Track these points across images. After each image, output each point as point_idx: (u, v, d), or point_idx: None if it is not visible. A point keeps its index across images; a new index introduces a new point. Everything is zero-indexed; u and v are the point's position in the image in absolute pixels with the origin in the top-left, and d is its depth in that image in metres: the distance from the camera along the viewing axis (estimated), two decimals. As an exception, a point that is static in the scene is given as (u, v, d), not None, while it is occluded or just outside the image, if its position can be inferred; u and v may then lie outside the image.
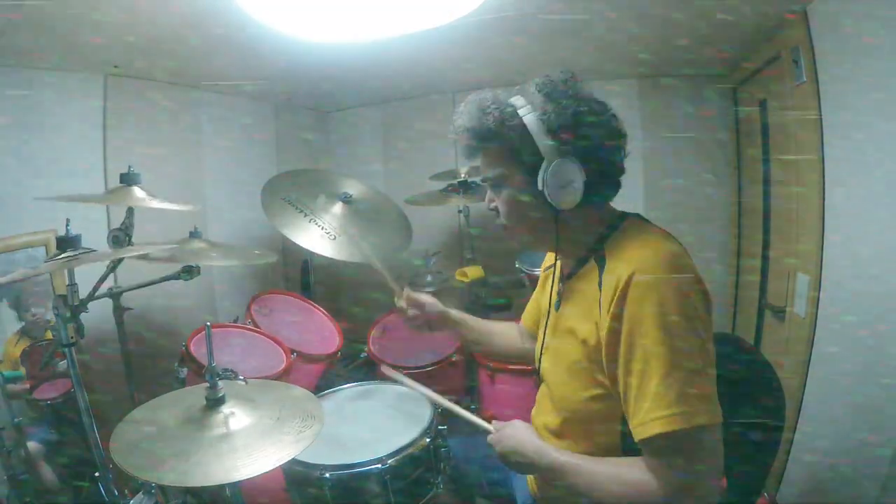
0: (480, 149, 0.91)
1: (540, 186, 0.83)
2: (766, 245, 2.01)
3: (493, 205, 0.95)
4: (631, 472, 0.78)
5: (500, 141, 0.87)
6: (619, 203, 0.97)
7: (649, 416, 0.73)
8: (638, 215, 0.93)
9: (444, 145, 2.70)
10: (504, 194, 0.91)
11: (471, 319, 1.26)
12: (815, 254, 1.49)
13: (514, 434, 0.94)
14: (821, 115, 1.46)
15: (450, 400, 1.14)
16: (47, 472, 1.54)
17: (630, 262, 0.78)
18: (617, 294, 0.77)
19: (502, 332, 1.28)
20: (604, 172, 0.86)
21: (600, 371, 0.82)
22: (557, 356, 0.96)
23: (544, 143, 0.82)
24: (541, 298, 1.14)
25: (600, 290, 0.82)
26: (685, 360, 0.73)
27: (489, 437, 0.98)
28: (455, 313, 1.24)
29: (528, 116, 0.83)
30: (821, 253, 1.48)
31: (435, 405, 1.24)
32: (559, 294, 0.99)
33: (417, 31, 1.52)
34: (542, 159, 0.83)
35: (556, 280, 1.01)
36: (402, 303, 1.21)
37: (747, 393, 1.00)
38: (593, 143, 0.83)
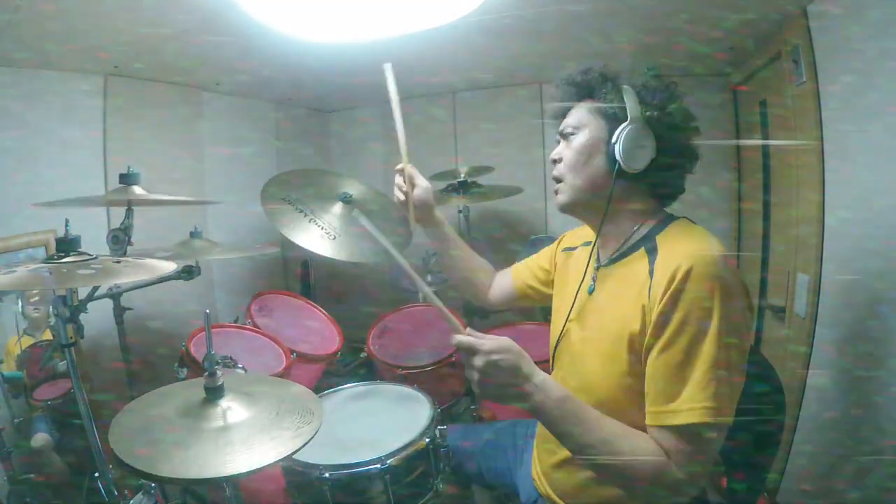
0: (575, 99, 0.97)
1: (613, 140, 0.87)
2: (766, 245, 2.01)
3: (557, 156, 0.97)
4: (648, 443, 0.78)
5: (594, 96, 0.94)
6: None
7: (686, 404, 0.75)
8: (688, 218, 0.95)
9: (444, 145, 2.71)
10: (576, 141, 0.94)
11: (452, 233, 1.26)
12: (815, 254, 1.49)
13: (512, 348, 0.79)
14: (821, 115, 1.46)
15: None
16: (57, 462, 1.54)
17: (690, 252, 0.79)
18: (677, 279, 0.77)
19: (480, 268, 1.30)
20: (671, 162, 0.90)
21: (638, 359, 0.83)
22: (591, 341, 0.94)
23: (634, 107, 0.87)
24: (561, 283, 1.12)
25: (651, 277, 0.82)
26: (730, 358, 0.75)
27: (463, 339, 0.79)
28: (441, 218, 1.24)
29: (628, 86, 0.89)
30: (821, 253, 1.48)
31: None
32: (593, 279, 0.99)
33: (417, 31, 1.52)
34: (624, 121, 0.87)
35: (591, 265, 1.01)
36: (399, 180, 1.19)
37: (747, 393, 1.00)
38: (675, 130, 0.89)
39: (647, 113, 0.88)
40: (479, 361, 0.77)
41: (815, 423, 1.48)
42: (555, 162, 0.98)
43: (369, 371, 2.00)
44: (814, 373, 1.50)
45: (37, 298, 1.64)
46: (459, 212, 2.29)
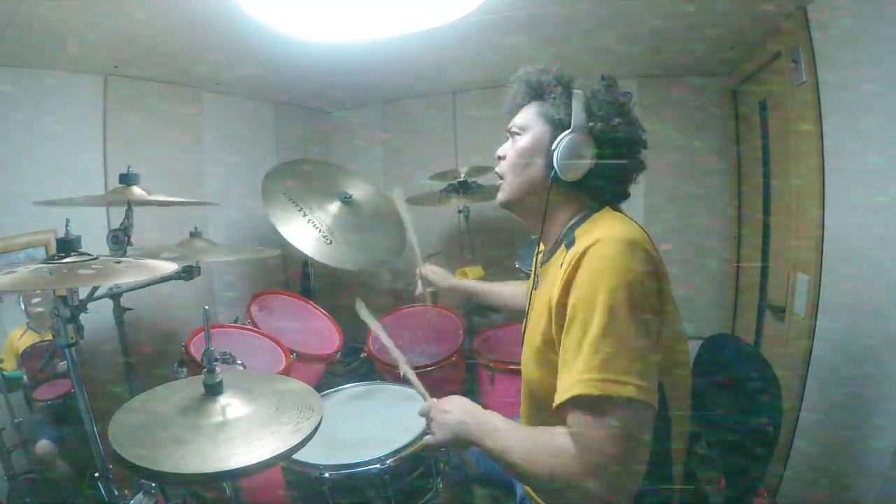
0: (526, 102, 0.98)
1: (552, 147, 0.88)
2: (766, 245, 2.01)
3: (502, 153, 0.99)
4: (553, 438, 0.77)
5: (545, 99, 0.94)
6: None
7: (573, 378, 0.74)
8: (613, 207, 0.95)
9: (444, 145, 2.71)
10: (520, 143, 0.96)
11: (480, 287, 1.49)
12: (815, 254, 1.49)
13: (452, 400, 0.96)
14: (821, 115, 1.46)
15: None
16: (60, 468, 1.54)
17: (589, 239, 0.80)
18: (570, 267, 0.79)
19: (511, 294, 1.43)
20: (609, 176, 0.91)
21: (553, 350, 0.83)
22: (527, 336, 0.97)
23: (579, 115, 0.88)
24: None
25: (561, 269, 0.83)
26: (619, 333, 0.73)
27: (424, 407, 0.99)
28: (464, 285, 1.51)
29: (579, 91, 0.90)
30: (821, 253, 1.48)
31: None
32: (538, 276, 1.02)
33: (417, 31, 1.52)
34: (567, 128, 0.88)
35: (537, 262, 1.04)
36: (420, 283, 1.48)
37: (746, 392, 1.00)
38: (618, 141, 0.89)
39: (591, 123, 0.88)
40: (434, 415, 0.95)
41: (815, 423, 1.48)
42: (499, 158, 1.00)
43: (369, 371, 2.00)
44: (814, 373, 1.50)
45: (39, 298, 1.64)
46: (459, 212, 2.29)
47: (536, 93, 0.97)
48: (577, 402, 0.74)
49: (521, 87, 0.99)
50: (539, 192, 0.93)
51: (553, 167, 0.89)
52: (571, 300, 0.78)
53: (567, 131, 0.88)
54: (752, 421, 0.97)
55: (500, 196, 1.00)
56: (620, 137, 0.90)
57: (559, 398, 0.76)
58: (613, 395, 0.71)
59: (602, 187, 0.92)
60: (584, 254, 0.78)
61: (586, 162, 0.88)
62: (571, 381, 0.74)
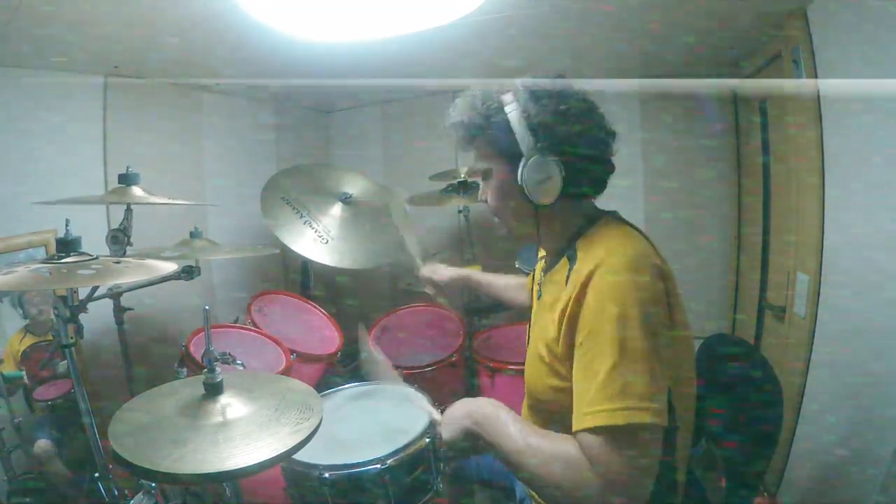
0: (471, 142, 0.95)
1: (519, 181, 0.86)
2: (766, 245, 2.01)
3: (483, 196, 0.99)
4: (566, 449, 0.76)
5: (486, 136, 0.91)
6: (620, 202, 0.98)
7: (591, 407, 0.73)
8: (614, 213, 0.95)
9: (444, 145, 2.71)
10: (491, 185, 0.95)
11: (482, 278, 1.46)
12: (815, 254, 1.49)
13: (461, 401, 0.95)
14: (821, 115, 1.46)
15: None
16: (60, 468, 1.54)
17: (594, 258, 0.79)
18: (577, 289, 0.78)
19: (506, 286, 1.42)
20: (584, 170, 0.88)
21: (561, 363, 0.83)
22: (531, 346, 0.97)
23: (525, 139, 0.85)
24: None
25: (566, 286, 0.83)
26: (634, 358, 0.73)
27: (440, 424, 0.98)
28: (465, 274, 1.43)
29: (512, 113, 0.86)
30: (821, 253, 1.48)
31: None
32: (540, 285, 1.01)
33: (417, 31, 1.52)
34: (522, 155, 0.86)
35: (540, 271, 1.04)
36: (425, 285, 1.43)
37: (746, 393, 1.00)
38: (573, 140, 0.86)
39: (539, 143, 0.85)
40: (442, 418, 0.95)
41: (815, 423, 1.48)
42: (483, 200, 1.00)
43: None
44: (814, 373, 1.50)
45: (38, 299, 1.64)
46: (459, 212, 2.29)
47: (475, 131, 0.92)
48: (596, 430, 0.73)
49: (460, 132, 0.95)
50: (531, 219, 0.92)
51: (529, 197, 0.87)
52: (582, 326, 0.77)
53: (522, 162, 0.85)
54: (752, 421, 0.97)
55: (502, 231, 1.00)
56: (574, 135, 0.86)
57: (578, 425, 0.75)
58: (635, 422, 0.71)
59: (587, 189, 0.91)
60: (590, 276, 0.77)
61: (557, 180, 0.85)
62: (590, 409, 0.73)
